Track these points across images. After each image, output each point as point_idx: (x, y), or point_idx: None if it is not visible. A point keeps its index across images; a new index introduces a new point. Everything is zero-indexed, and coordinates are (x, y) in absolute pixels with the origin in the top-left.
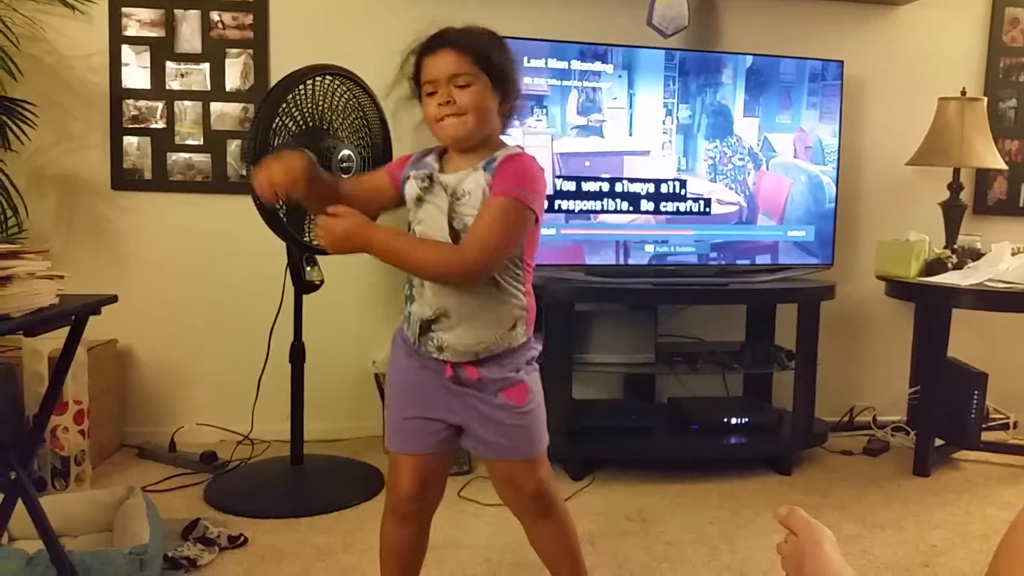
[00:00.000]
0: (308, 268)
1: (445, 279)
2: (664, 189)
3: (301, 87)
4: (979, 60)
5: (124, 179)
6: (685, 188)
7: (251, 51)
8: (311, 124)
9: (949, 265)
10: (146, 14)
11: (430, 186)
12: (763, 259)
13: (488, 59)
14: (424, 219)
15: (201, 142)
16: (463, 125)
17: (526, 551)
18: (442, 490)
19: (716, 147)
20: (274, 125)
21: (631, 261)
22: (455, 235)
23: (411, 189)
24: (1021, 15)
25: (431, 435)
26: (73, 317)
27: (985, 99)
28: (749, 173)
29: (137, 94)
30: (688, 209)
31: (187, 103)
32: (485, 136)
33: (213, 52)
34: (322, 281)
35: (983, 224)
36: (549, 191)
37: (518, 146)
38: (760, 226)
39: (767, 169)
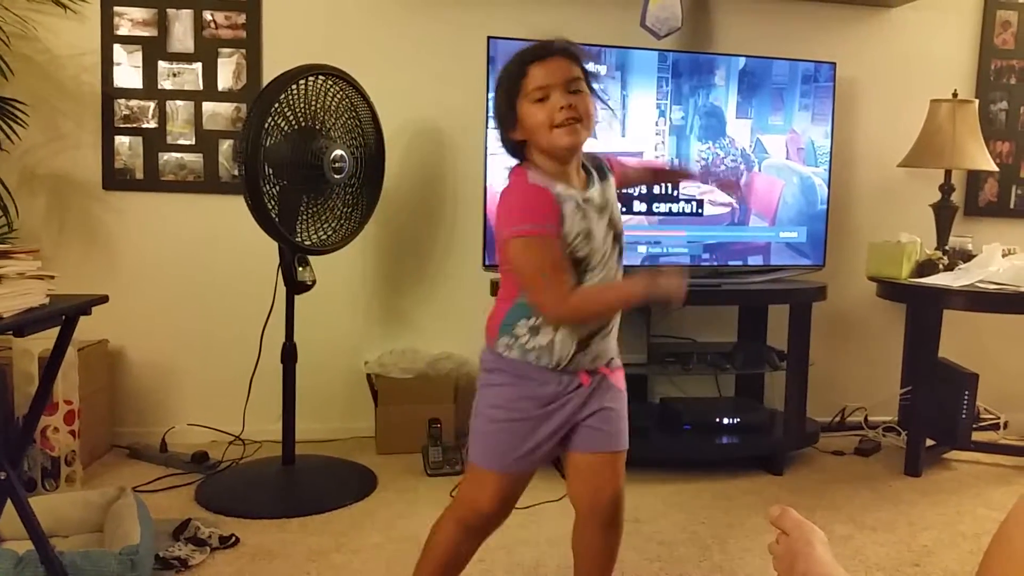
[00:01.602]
0: (300, 268)
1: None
2: (656, 190)
3: (294, 87)
4: (971, 62)
5: (115, 179)
6: (678, 189)
7: (244, 51)
8: (303, 124)
9: (940, 266)
10: (138, 13)
11: (585, 214)
12: (755, 260)
13: (587, 72)
14: (597, 245)
15: (193, 142)
16: (582, 131)
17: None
18: (513, 507)
19: (709, 148)
20: (266, 125)
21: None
22: (617, 239)
23: (577, 226)
24: (1012, 18)
25: (543, 457)
26: (63, 317)
27: (976, 101)
28: (742, 174)
29: (129, 93)
30: (680, 210)
31: (179, 103)
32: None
33: (205, 52)
34: (314, 281)
35: (974, 226)
36: None
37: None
38: (752, 227)
39: (759, 170)
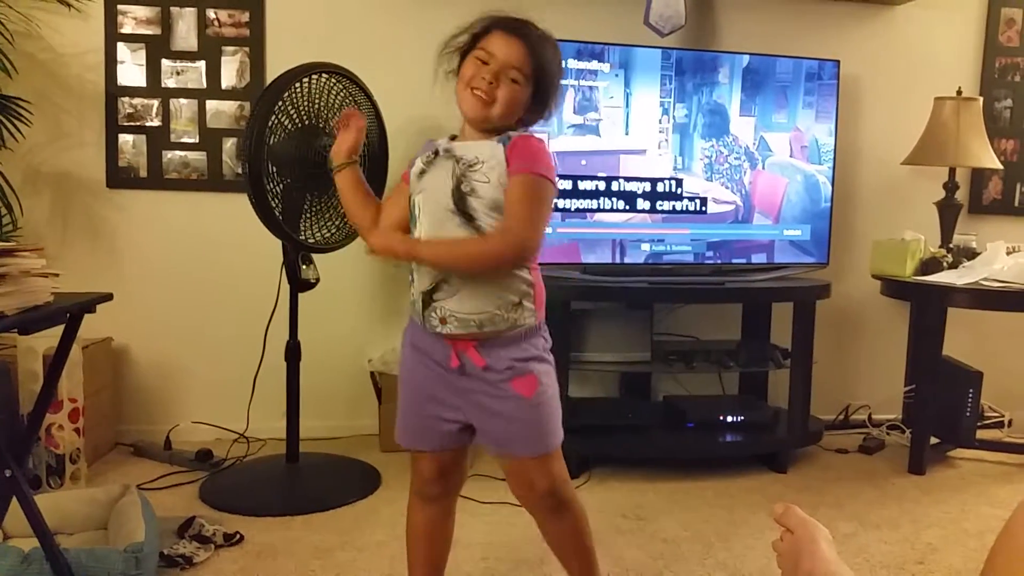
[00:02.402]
0: (304, 266)
1: (499, 263)
2: (660, 188)
3: (297, 85)
4: (975, 60)
5: (119, 177)
6: (681, 187)
7: (247, 49)
8: (307, 122)
9: (944, 264)
10: (142, 11)
11: (433, 159)
12: (759, 258)
13: (544, 74)
14: (426, 187)
15: (197, 140)
16: (485, 108)
17: (523, 548)
18: (463, 476)
19: (712, 146)
20: (270, 123)
21: (627, 260)
22: (460, 197)
23: (415, 168)
24: (1017, 15)
25: (443, 435)
26: (68, 315)
27: (981, 99)
28: (745, 172)
29: (133, 92)
30: (684, 208)
31: (183, 101)
32: (502, 126)
33: (209, 50)
34: (317, 279)
35: (978, 223)
36: None
37: (526, 130)
38: (756, 225)
39: (763, 168)
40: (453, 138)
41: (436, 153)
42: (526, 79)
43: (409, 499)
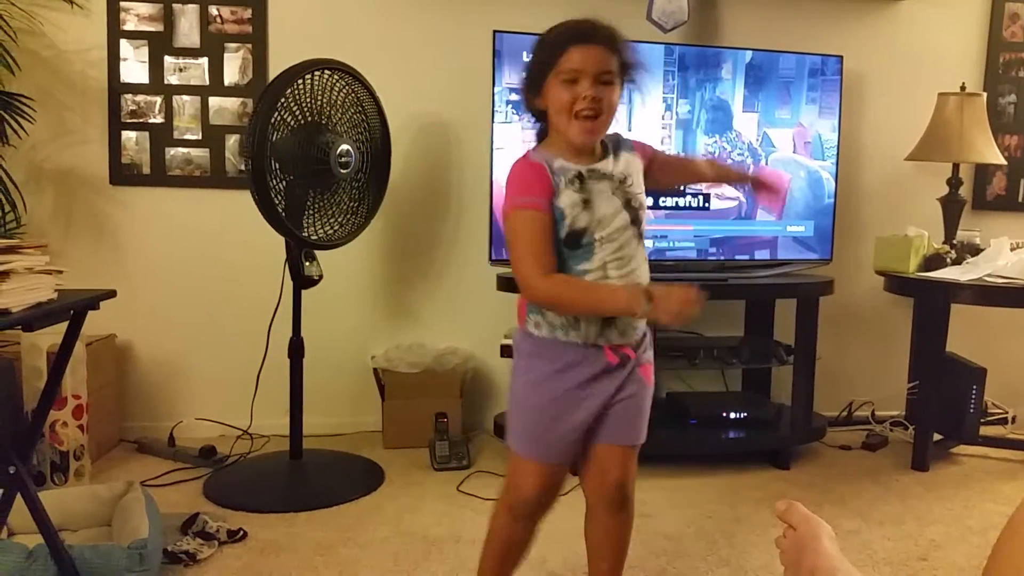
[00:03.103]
0: (307, 263)
1: None
2: None
3: (300, 82)
4: (979, 55)
5: (122, 174)
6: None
7: (250, 45)
8: (310, 119)
9: (948, 260)
10: (144, 8)
11: (583, 185)
12: (762, 254)
13: (625, 67)
14: (602, 214)
15: (199, 137)
16: (600, 127)
17: None
18: (559, 493)
19: (715, 142)
20: (272, 120)
21: None
22: (635, 215)
23: (570, 197)
24: (1021, 10)
25: (574, 444)
26: (72, 312)
27: (984, 94)
28: (749, 168)
29: (135, 89)
30: (687, 204)
31: (185, 98)
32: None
33: (212, 47)
34: (320, 276)
35: (982, 219)
36: None
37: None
38: (759, 221)
39: (767, 164)
40: (555, 155)
41: (581, 177)
42: (617, 78)
43: (496, 513)
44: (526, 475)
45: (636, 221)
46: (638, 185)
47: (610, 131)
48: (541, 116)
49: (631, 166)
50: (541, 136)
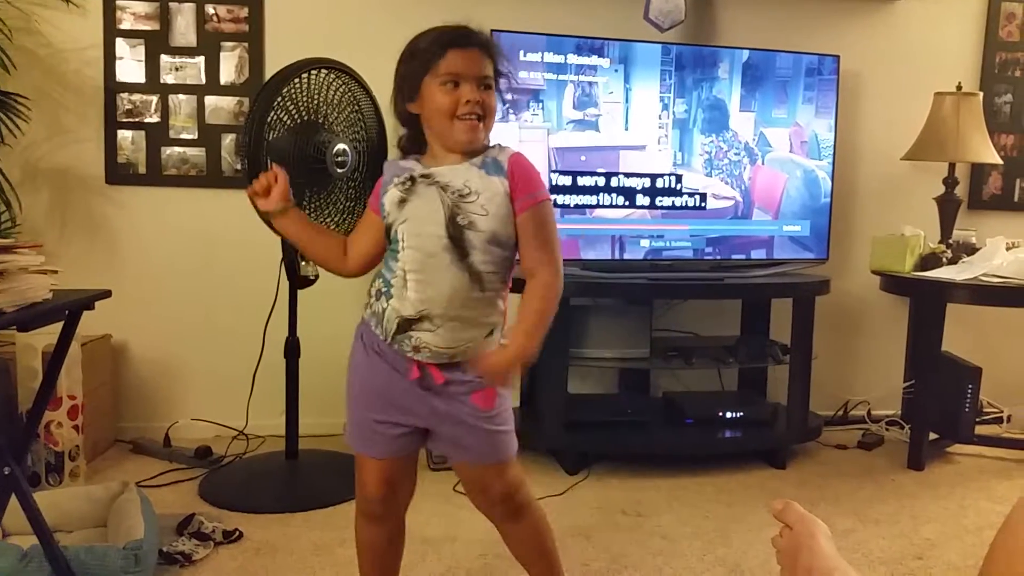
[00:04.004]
0: (303, 263)
1: (559, 296)
2: (660, 184)
3: (296, 81)
4: (975, 55)
5: (118, 173)
6: (681, 183)
7: (246, 44)
8: (306, 118)
9: (944, 260)
10: (140, 7)
11: (412, 186)
12: (758, 254)
13: (499, 71)
14: (411, 216)
15: (195, 136)
16: (482, 129)
17: None
18: (412, 488)
19: (712, 142)
20: (269, 119)
21: (627, 256)
22: (457, 230)
23: (392, 196)
24: (1017, 10)
25: (395, 439)
26: (67, 312)
27: (981, 94)
28: (745, 168)
29: (131, 88)
30: (684, 204)
31: (181, 97)
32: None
33: (208, 46)
34: (317, 276)
35: (978, 219)
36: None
37: (497, 144)
38: (756, 221)
39: (763, 164)
40: (415, 159)
41: (412, 179)
42: (494, 83)
43: (355, 517)
44: (362, 471)
45: (458, 243)
46: (483, 208)
47: (513, 150)
48: (411, 122)
49: (487, 186)
50: (409, 141)
